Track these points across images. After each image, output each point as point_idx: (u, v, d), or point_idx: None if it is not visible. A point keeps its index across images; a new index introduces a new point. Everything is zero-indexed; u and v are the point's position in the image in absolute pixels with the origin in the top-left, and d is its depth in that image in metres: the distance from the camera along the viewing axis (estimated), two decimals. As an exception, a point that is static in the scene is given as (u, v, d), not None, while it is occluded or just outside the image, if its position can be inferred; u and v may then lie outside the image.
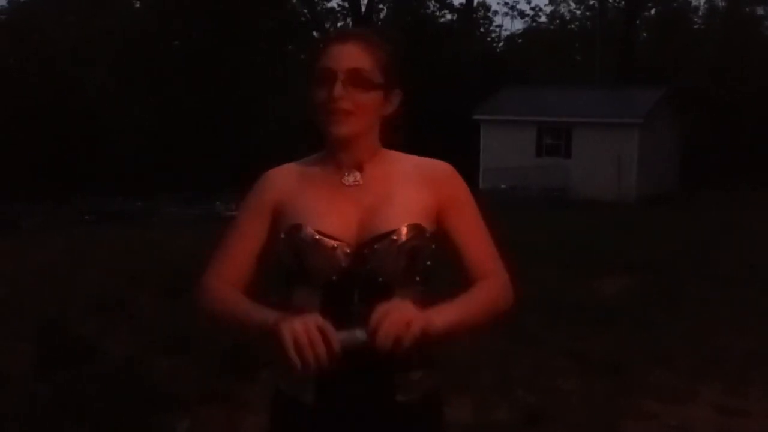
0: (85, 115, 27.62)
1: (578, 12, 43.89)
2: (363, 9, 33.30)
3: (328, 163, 1.73)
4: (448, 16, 37.72)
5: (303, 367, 1.48)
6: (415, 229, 1.66)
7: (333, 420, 1.69)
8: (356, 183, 1.70)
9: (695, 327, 6.32)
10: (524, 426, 4.21)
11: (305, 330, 1.48)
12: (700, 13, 42.24)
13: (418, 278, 1.69)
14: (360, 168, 1.71)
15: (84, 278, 7.72)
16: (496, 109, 25.08)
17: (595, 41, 32.27)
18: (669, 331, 6.18)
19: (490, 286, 1.72)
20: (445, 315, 1.60)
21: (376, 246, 1.63)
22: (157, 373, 4.83)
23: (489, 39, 42.82)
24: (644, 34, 40.68)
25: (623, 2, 36.33)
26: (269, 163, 1.87)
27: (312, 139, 1.79)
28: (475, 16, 38.28)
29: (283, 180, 1.74)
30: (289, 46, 33.57)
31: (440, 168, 1.75)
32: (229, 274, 1.73)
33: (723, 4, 40.28)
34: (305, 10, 34.85)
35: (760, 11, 39.48)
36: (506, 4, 62.90)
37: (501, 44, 43.59)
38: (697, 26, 40.99)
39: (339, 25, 37.42)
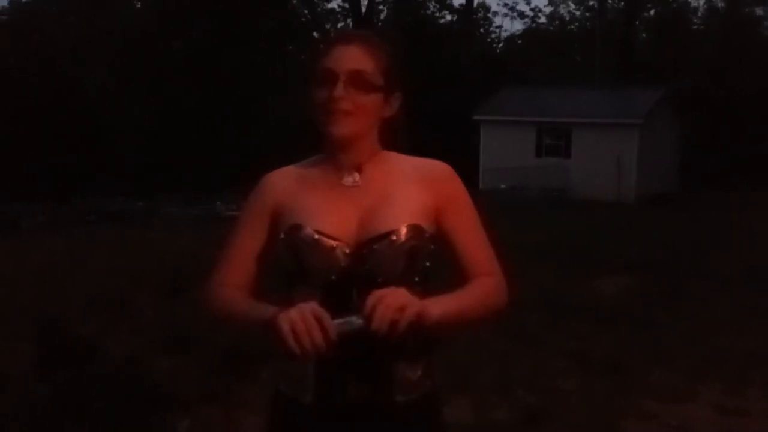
0: (85, 115, 27.61)
1: (578, 12, 43.95)
2: (363, 10, 33.28)
3: (327, 164, 1.74)
4: (448, 17, 37.78)
5: (302, 355, 1.49)
6: (415, 229, 1.66)
7: (332, 420, 1.69)
8: (355, 184, 1.71)
9: (695, 327, 6.33)
10: (524, 426, 4.21)
11: (301, 318, 1.49)
12: (700, 14, 42.28)
13: (417, 279, 1.69)
14: (359, 169, 1.72)
15: (84, 278, 7.72)
16: (496, 110, 25.09)
17: (594, 41, 32.27)
18: (669, 331, 6.18)
19: (486, 284, 1.74)
20: (440, 305, 1.62)
21: (375, 246, 1.64)
22: (157, 372, 4.83)
23: (489, 40, 42.84)
24: (644, 35, 40.70)
25: (623, 2, 36.34)
26: (269, 163, 1.88)
27: (312, 139, 1.80)
28: (474, 16, 38.29)
29: (282, 182, 1.76)
30: (289, 46, 33.58)
31: (439, 169, 1.76)
32: (233, 278, 1.76)
33: (722, 4, 40.30)
34: (305, 11, 34.86)
35: (759, 12, 39.54)
36: (506, 5, 63.07)
37: (501, 45, 43.62)
38: (696, 26, 41.01)
39: (339, 25, 37.45)
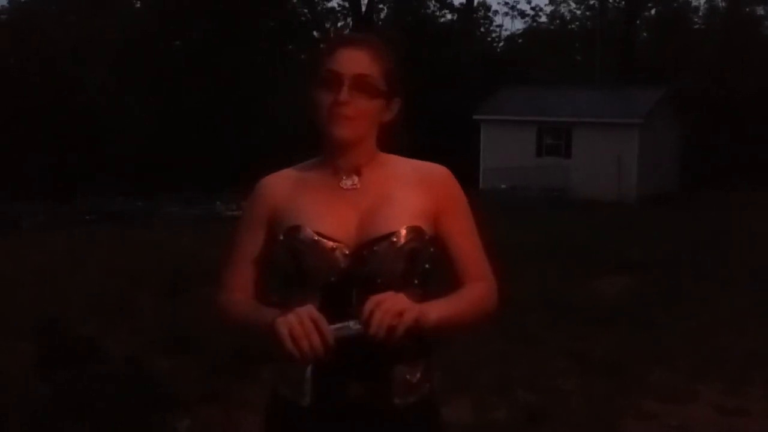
0: (85, 115, 27.61)
1: (578, 12, 43.88)
2: (363, 9, 33.27)
3: (325, 167, 1.74)
4: (449, 16, 37.73)
5: (300, 358, 1.51)
6: (415, 231, 1.66)
7: (330, 422, 1.69)
8: (354, 186, 1.71)
9: (695, 327, 6.33)
10: (524, 426, 4.21)
11: (299, 322, 1.51)
12: (700, 13, 42.24)
13: (416, 281, 1.69)
14: (358, 172, 1.72)
15: (84, 278, 7.72)
16: (497, 109, 25.09)
17: (595, 41, 32.24)
18: (669, 331, 6.18)
19: (479, 289, 1.76)
20: (437, 309, 1.62)
21: (375, 248, 1.64)
22: (157, 372, 4.83)
23: (489, 39, 42.79)
24: (644, 34, 40.67)
25: (623, 2, 36.32)
26: (269, 163, 1.88)
27: (312, 140, 1.80)
28: (475, 16, 38.27)
29: (279, 185, 1.76)
30: (289, 46, 33.58)
31: (438, 172, 1.77)
32: (238, 283, 1.78)
33: (723, 4, 40.28)
34: (305, 10, 34.85)
35: (760, 11, 39.50)
36: (506, 4, 62.76)
37: (501, 44, 43.57)
38: (697, 26, 40.97)
39: (339, 25, 37.42)
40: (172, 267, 7.84)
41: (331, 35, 34.53)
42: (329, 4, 42.78)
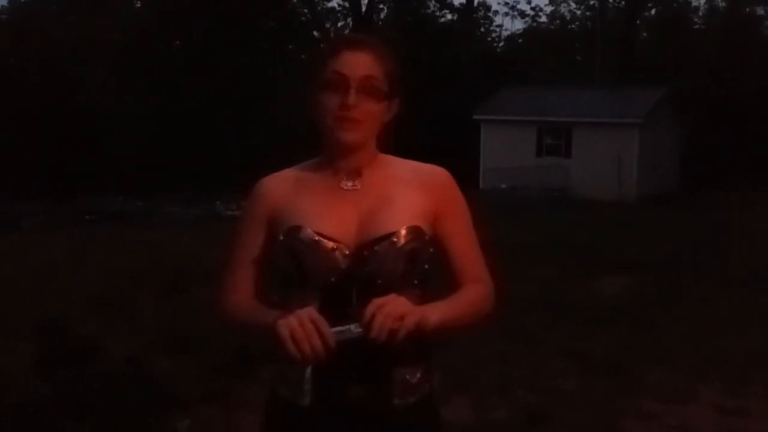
0: (85, 115, 27.61)
1: (578, 12, 43.89)
2: (363, 9, 33.26)
3: (325, 168, 1.74)
4: (449, 16, 37.71)
5: (302, 360, 1.51)
6: (415, 231, 1.67)
7: (330, 423, 1.69)
8: (354, 187, 1.71)
9: (695, 327, 6.33)
10: (524, 426, 4.21)
11: (300, 323, 1.51)
12: (701, 13, 42.25)
13: (416, 281, 1.70)
14: (359, 173, 1.72)
15: (84, 278, 7.72)
16: (497, 109, 25.08)
17: (595, 41, 32.24)
18: (669, 331, 6.18)
19: (477, 291, 1.76)
20: (437, 311, 1.63)
21: (375, 248, 1.64)
22: (157, 372, 4.83)
23: (489, 39, 42.79)
24: (644, 34, 40.66)
25: (623, 2, 36.31)
26: (269, 163, 1.88)
27: (312, 140, 1.80)
28: (475, 16, 38.26)
29: (278, 186, 1.75)
30: (289, 46, 33.57)
31: (438, 173, 1.77)
32: (240, 284, 1.77)
33: (723, 4, 40.29)
34: (305, 10, 34.83)
35: (760, 11, 39.49)
36: (506, 4, 62.87)
37: (501, 44, 43.57)
38: (697, 26, 40.97)
39: (339, 25, 37.44)
40: (172, 267, 7.84)
41: (331, 35, 34.57)
42: (329, 4, 42.86)
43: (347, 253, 1.64)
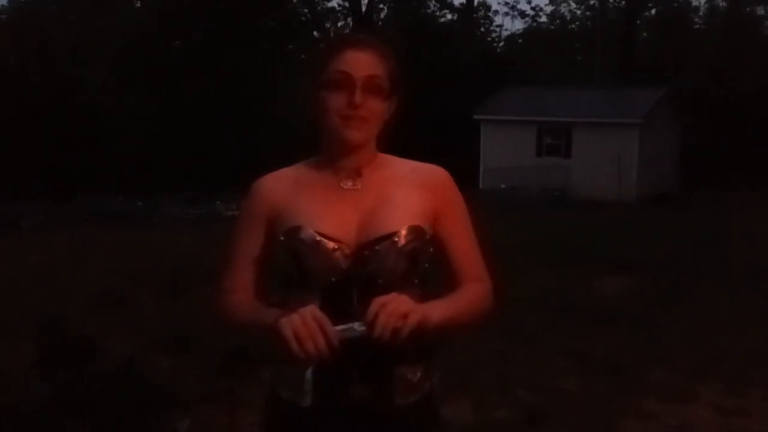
0: (85, 115, 27.62)
1: (578, 12, 43.90)
2: (363, 9, 33.26)
3: (324, 167, 1.74)
4: (449, 16, 37.74)
5: (306, 359, 1.50)
6: (416, 231, 1.67)
7: (332, 423, 1.69)
8: (354, 187, 1.71)
9: (695, 327, 6.32)
10: (524, 426, 4.21)
11: (303, 322, 1.50)
12: (701, 13, 42.25)
13: (416, 281, 1.70)
14: (359, 173, 1.72)
15: (84, 278, 7.72)
16: (497, 109, 25.09)
17: (595, 41, 32.26)
18: (669, 331, 6.18)
19: (477, 290, 1.77)
20: (439, 310, 1.63)
21: (376, 248, 1.64)
22: (157, 372, 4.83)
23: (489, 39, 42.80)
24: (644, 34, 40.67)
25: (623, 2, 36.32)
26: (270, 163, 1.88)
27: (312, 140, 1.80)
28: (475, 16, 38.27)
29: (277, 185, 1.75)
30: (290, 46, 33.58)
31: (437, 173, 1.77)
32: (239, 284, 1.77)
33: (723, 4, 40.30)
34: (305, 10, 34.85)
35: (760, 11, 39.50)
36: (506, 4, 62.95)
37: (501, 44, 43.59)
38: (697, 26, 40.97)
39: (339, 25, 37.43)
40: (172, 267, 7.83)
41: (331, 36, 34.57)
42: (329, 4, 42.87)
43: (348, 253, 1.64)
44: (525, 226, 13.31)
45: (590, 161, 23.23)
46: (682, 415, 4.37)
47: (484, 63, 31.56)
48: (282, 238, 1.68)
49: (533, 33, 44.38)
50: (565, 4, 44.03)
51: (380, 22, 36.88)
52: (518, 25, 77.86)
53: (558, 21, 45.06)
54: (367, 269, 1.64)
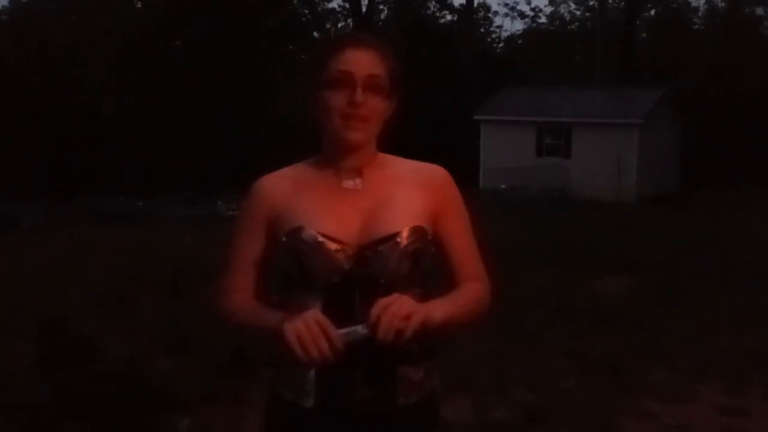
0: (85, 115, 27.62)
1: (578, 12, 43.90)
2: (363, 9, 33.27)
3: (324, 167, 1.73)
4: (449, 17, 37.71)
5: (310, 363, 1.50)
6: (418, 231, 1.67)
7: (334, 423, 1.69)
8: (356, 187, 1.70)
9: (695, 327, 6.33)
10: (524, 425, 4.21)
11: (306, 327, 1.50)
12: (700, 14, 42.23)
13: (418, 281, 1.70)
14: (360, 173, 1.71)
15: (84, 278, 7.72)
16: (497, 110, 25.09)
17: (595, 41, 32.26)
18: (669, 331, 6.18)
19: (475, 289, 1.77)
20: (441, 310, 1.63)
21: (379, 248, 1.64)
22: (157, 372, 4.83)
23: (489, 39, 42.79)
24: (644, 35, 40.66)
25: (623, 2, 36.32)
26: (270, 163, 1.88)
27: (312, 140, 1.80)
28: (475, 16, 38.26)
29: (277, 186, 1.74)
30: (290, 46, 33.57)
31: (438, 173, 1.77)
32: (240, 284, 1.76)
33: (723, 4, 40.28)
34: (306, 11, 34.85)
35: (759, 11, 39.48)
36: (506, 4, 62.95)
37: (501, 45, 43.58)
38: (696, 26, 40.97)
39: (340, 25, 37.43)
40: (172, 267, 7.83)
41: (331, 36, 34.56)
42: (329, 5, 42.77)
43: (350, 253, 1.64)
44: (525, 226, 13.31)
45: (590, 161, 23.23)
46: (682, 415, 4.37)
47: (484, 63, 31.57)
48: (284, 239, 1.67)
49: (533, 33, 44.37)
50: (565, 5, 44.07)
51: (380, 23, 36.88)
52: (518, 25, 77.89)
53: (557, 22, 45.06)
54: (369, 270, 1.63)
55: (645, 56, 36.52)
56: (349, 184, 1.71)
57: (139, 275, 7.61)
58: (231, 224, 1.86)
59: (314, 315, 1.52)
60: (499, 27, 71.83)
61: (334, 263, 1.63)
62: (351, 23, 34.70)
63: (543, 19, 47.05)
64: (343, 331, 1.51)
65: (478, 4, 39.75)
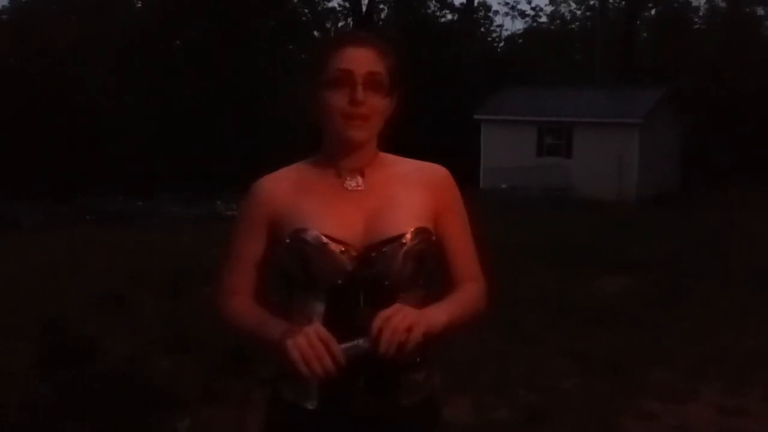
0: (85, 115, 27.60)
1: (579, 12, 43.87)
2: (364, 9, 33.26)
3: (325, 167, 1.72)
4: (449, 16, 37.69)
5: (312, 379, 1.51)
6: (423, 233, 1.66)
7: (337, 425, 1.69)
8: (358, 187, 1.69)
9: (695, 327, 6.33)
10: (524, 425, 4.22)
11: (309, 344, 1.50)
12: (701, 14, 42.21)
13: (421, 282, 1.70)
14: (361, 173, 1.70)
15: (84, 278, 7.72)
16: (497, 109, 25.08)
17: (595, 41, 32.23)
18: (669, 331, 6.18)
19: (473, 290, 1.77)
20: (443, 315, 1.63)
21: (384, 249, 1.63)
22: (157, 372, 4.83)
23: (490, 39, 42.75)
24: (644, 34, 40.65)
25: (623, 2, 36.32)
26: (269, 163, 1.87)
27: (312, 140, 1.79)
28: (475, 16, 38.24)
29: (277, 187, 1.72)
30: (290, 46, 33.55)
31: (439, 173, 1.77)
32: (240, 285, 1.74)
33: (723, 4, 40.27)
34: (306, 10, 34.85)
35: (760, 11, 39.46)
36: (507, 4, 62.86)
37: (501, 44, 43.53)
38: (697, 26, 40.95)
39: (340, 24, 37.42)
40: (172, 267, 7.84)
41: (331, 35, 34.55)
42: (330, 4, 42.84)
43: (354, 255, 1.63)
44: (525, 225, 13.31)
45: (591, 161, 23.22)
46: (682, 415, 4.37)
47: (484, 63, 31.55)
48: (288, 240, 1.65)
49: (533, 33, 44.33)
50: (565, 5, 44.02)
51: (381, 22, 36.88)
52: (518, 25, 77.93)
53: (558, 21, 45.03)
54: (373, 271, 1.62)
55: (645, 56, 36.51)
56: (351, 184, 1.69)
57: (138, 275, 7.62)
58: (230, 224, 1.85)
59: (316, 330, 1.51)
60: (500, 26, 71.89)
61: (339, 265, 1.62)
62: (351, 22, 34.69)
63: (543, 19, 46.93)
64: (344, 345, 1.51)
65: (479, 3, 39.76)
